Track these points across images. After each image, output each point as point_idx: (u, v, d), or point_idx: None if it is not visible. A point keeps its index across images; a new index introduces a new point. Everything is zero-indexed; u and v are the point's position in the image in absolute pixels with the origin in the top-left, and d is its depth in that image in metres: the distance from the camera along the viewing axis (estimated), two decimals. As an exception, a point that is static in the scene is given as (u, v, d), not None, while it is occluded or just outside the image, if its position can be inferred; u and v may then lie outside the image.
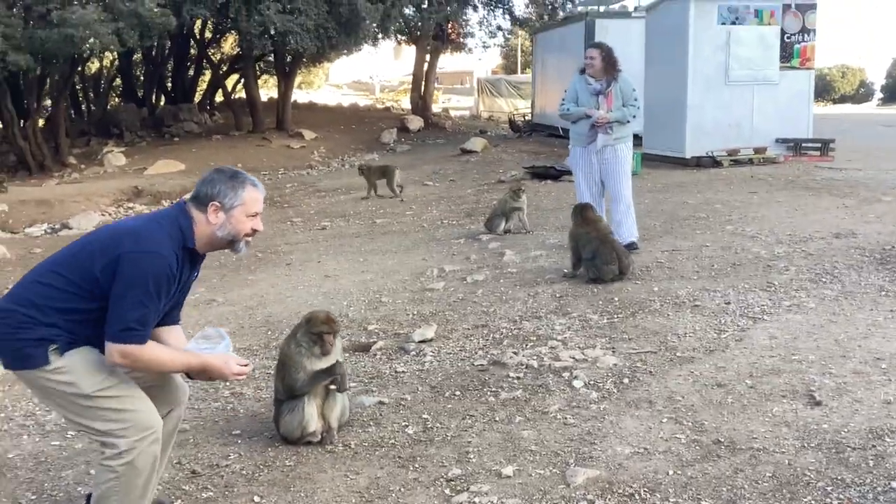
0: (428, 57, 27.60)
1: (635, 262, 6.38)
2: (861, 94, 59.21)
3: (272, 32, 18.80)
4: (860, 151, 13.76)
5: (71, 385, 2.69)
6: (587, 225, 6.27)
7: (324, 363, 3.75)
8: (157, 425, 2.81)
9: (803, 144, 13.13)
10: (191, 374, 2.91)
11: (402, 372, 4.72)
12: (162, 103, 26.21)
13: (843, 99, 55.00)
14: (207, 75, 29.02)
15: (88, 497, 3.00)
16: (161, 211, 2.92)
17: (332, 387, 3.80)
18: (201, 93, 29.02)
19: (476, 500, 3.16)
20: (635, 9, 18.83)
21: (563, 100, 7.11)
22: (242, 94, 26.88)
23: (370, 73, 51.29)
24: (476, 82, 40.16)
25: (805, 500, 2.96)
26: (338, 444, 3.78)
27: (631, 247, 6.73)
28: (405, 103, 35.61)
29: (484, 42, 30.39)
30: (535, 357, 4.69)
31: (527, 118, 24.68)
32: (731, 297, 5.48)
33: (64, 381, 2.69)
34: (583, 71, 7.00)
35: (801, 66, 13.14)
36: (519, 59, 53.26)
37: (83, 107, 26.59)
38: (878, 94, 59.34)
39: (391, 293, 6.46)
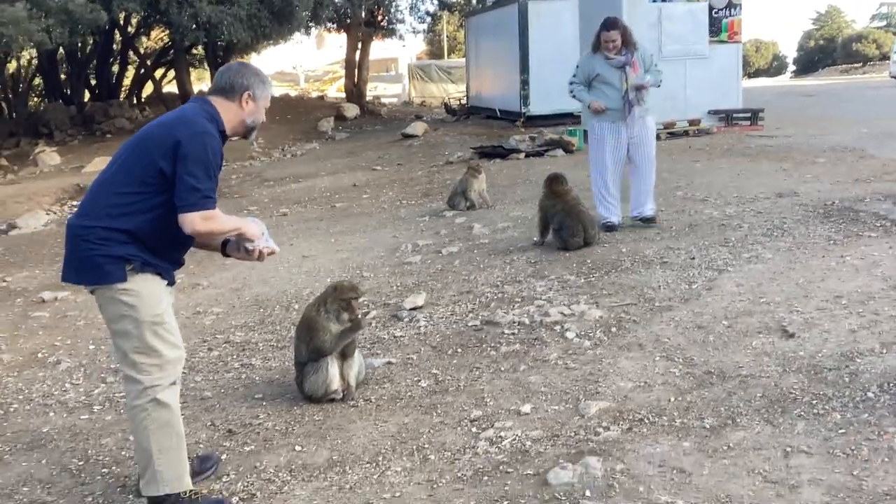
0: (360, 44, 27.61)
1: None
2: (775, 67, 61.42)
3: (204, 23, 18.68)
4: (786, 120, 14.52)
5: (132, 308, 2.94)
6: (555, 197, 6.62)
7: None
8: (177, 374, 3.09)
9: (734, 115, 13.79)
10: (228, 250, 3.23)
11: (401, 336, 5.00)
12: (86, 100, 25.66)
13: (757, 73, 56.94)
14: (131, 70, 28.50)
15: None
16: (184, 106, 3.17)
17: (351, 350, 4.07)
18: (126, 88, 28.48)
19: (502, 433, 3.48)
20: (567, -10, 19.30)
21: (573, 79, 6.99)
22: (171, 88, 26.55)
23: (293, 63, 50.82)
24: (406, 68, 40.28)
25: (795, 412, 3.37)
26: (359, 400, 4.05)
27: (651, 220, 6.87)
28: (331, 92, 35.54)
29: (414, 28, 30.56)
30: (525, 315, 5.03)
31: (462, 102, 24.99)
32: (695, 253, 5.92)
33: (127, 303, 2.94)
34: (595, 50, 6.82)
35: (729, 40, 13.77)
36: (445, 44, 53.53)
37: (3, 107, 25.85)
38: (791, 67, 61.63)
39: (371, 268, 6.72)
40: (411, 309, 5.46)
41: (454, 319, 5.18)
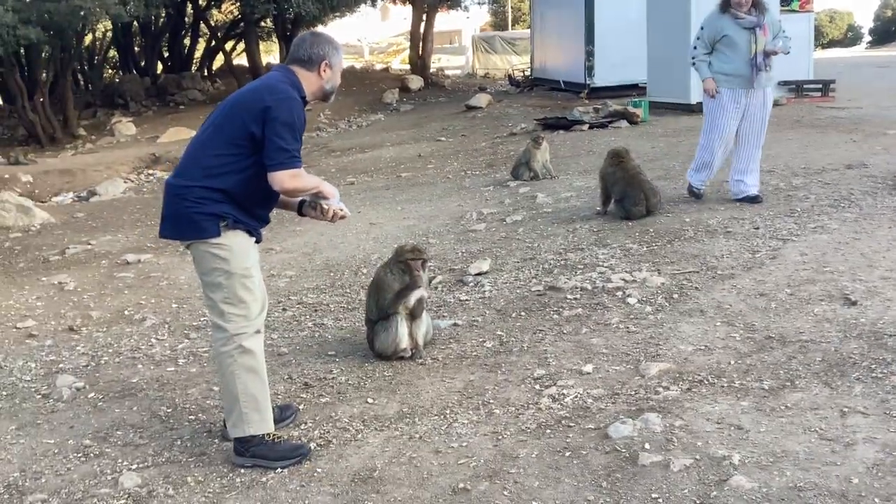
0: (425, 16, 27.66)
1: (663, 197, 6.79)
2: (850, 38, 59.31)
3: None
4: (858, 91, 14.16)
5: (224, 261, 3.19)
6: (616, 165, 6.68)
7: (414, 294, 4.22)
8: (261, 324, 3.31)
9: (805, 86, 13.51)
10: (304, 210, 3.48)
11: (466, 300, 5.17)
12: (159, 72, 26.34)
13: (831, 44, 55.10)
14: (202, 43, 29.12)
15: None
16: (269, 74, 3.39)
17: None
18: (197, 61, 29.12)
19: (565, 391, 3.63)
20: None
21: (696, 41, 6.61)
22: (241, 61, 27.06)
23: (358, 35, 51.08)
24: (470, 40, 40.12)
25: (854, 375, 3.44)
26: (426, 359, 4.24)
27: (755, 199, 6.52)
28: (395, 64, 35.65)
29: (479, -1, 30.46)
30: (587, 281, 5.14)
31: (526, 74, 24.90)
32: (759, 223, 5.94)
33: (220, 256, 3.19)
34: (723, 10, 6.43)
35: (800, 10, 13.47)
36: (509, 15, 53.12)
37: (80, 79, 26.72)
38: (867, 38, 59.45)
39: (437, 235, 6.90)
40: (476, 274, 5.62)
41: (518, 285, 5.33)
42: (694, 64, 6.68)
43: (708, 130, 6.70)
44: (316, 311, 5.32)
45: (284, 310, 5.40)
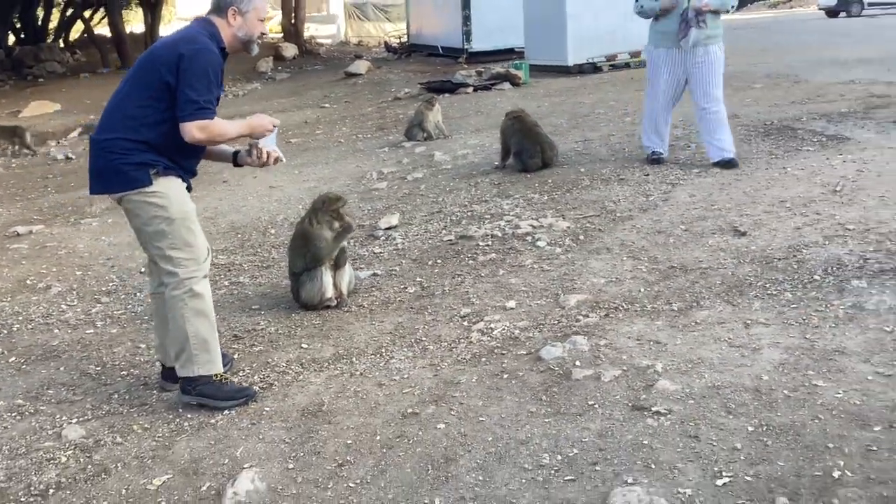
0: (295, -18, 27.14)
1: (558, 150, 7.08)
2: None
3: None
4: (727, 51, 14.95)
5: (162, 208, 3.19)
6: (514, 119, 6.93)
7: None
8: (207, 266, 3.35)
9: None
10: (239, 160, 3.52)
11: (381, 252, 5.30)
12: (11, 44, 24.84)
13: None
14: (56, 13, 27.61)
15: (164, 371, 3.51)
16: (188, 25, 3.38)
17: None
18: (52, 31, 27.61)
19: (492, 325, 3.84)
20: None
21: None
22: (101, 30, 25.84)
23: (221, 4, 49.39)
24: (341, 8, 39.61)
25: (751, 294, 3.80)
26: (352, 306, 4.36)
27: (730, 164, 6.06)
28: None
29: (349, -35, 30.10)
30: (496, 229, 5.37)
31: (402, 40, 24.92)
32: (649, 170, 6.32)
33: (158, 204, 3.19)
34: None
35: (667, -26, 14.07)
36: (378, -17, 52.58)
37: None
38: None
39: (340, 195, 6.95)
40: (386, 228, 5.75)
41: (429, 236, 5.49)
42: (640, 13, 6.31)
43: (647, 92, 6.55)
44: (230, 270, 5.32)
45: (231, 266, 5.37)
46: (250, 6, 3.32)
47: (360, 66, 18.88)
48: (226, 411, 3.28)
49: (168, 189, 3.22)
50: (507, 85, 12.93)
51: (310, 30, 39.78)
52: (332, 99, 14.97)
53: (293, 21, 26.90)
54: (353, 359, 3.68)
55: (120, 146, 3.17)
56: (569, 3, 13.76)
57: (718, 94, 6.18)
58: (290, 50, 24.90)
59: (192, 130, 3.13)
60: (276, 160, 3.51)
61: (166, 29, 36.90)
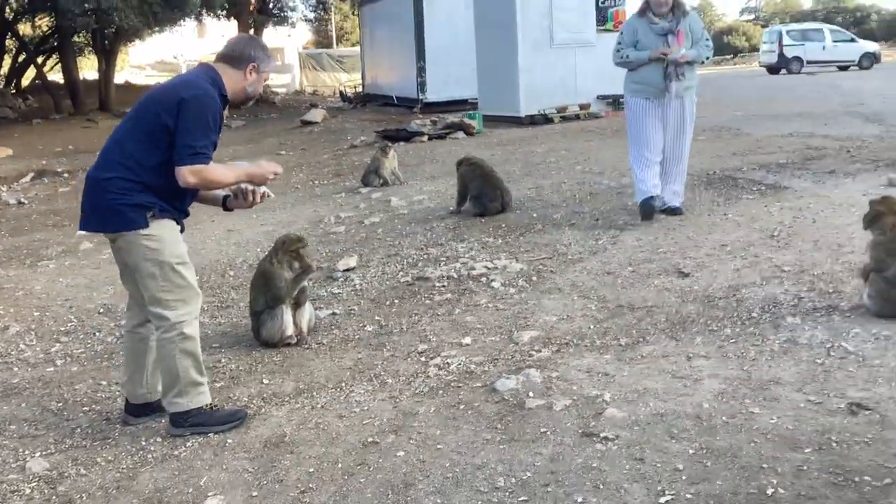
0: (251, 32, 27.46)
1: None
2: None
3: (93, 9, 18.33)
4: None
5: (155, 251, 3.27)
6: (474, 164, 7.20)
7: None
8: (198, 308, 3.45)
9: (622, 100, 14.68)
10: (229, 204, 3.62)
11: (339, 293, 5.43)
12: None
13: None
14: (7, 58, 27.42)
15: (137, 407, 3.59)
16: (190, 70, 3.52)
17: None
18: (3, 76, 27.37)
19: (449, 360, 3.98)
20: (458, -19, 19.93)
21: (619, 45, 6.23)
22: (54, 76, 25.73)
23: (174, 52, 49.58)
24: (296, 57, 40.07)
25: (694, 330, 4.02)
26: (312, 344, 4.47)
27: (677, 211, 6.23)
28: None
29: (305, 16, 30.63)
30: (452, 270, 5.54)
31: (357, 90, 25.30)
32: (598, 216, 6.58)
33: (150, 247, 3.27)
34: (642, 12, 6.17)
35: (615, 30, 14.62)
36: (334, 33, 53.35)
37: None
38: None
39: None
40: (345, 270, 5.88)
41: (386, 278, 5.64)
42: (625, 58, 6.20)
43: (631, 142, 6.41)
44: (189, 310, 5.38)
45: None
46: (268, 67, 3.48)
47: (316, 115, 19.13)
48: (189, 443, 3.35)
49: (162, 232, 3.30)
50: (461, 134, 13.25)
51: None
52: (289, 146, 15.14)
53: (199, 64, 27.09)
54: (314, 393, 3.78)
55: (118, 186, 3.25)
56: (521, 57, 14.23)
57: (688, 146, 6.31)
58: (245, 98, 25.04)
59: (186, 175, 3.23)
60: (264, 196, 3.62)
61: (120, 76, 36.90)
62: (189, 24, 28.78)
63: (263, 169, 3.51)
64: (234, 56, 3.42)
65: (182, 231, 3.50)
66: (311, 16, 31.43)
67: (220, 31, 42.19)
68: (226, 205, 3.67)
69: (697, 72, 6.35)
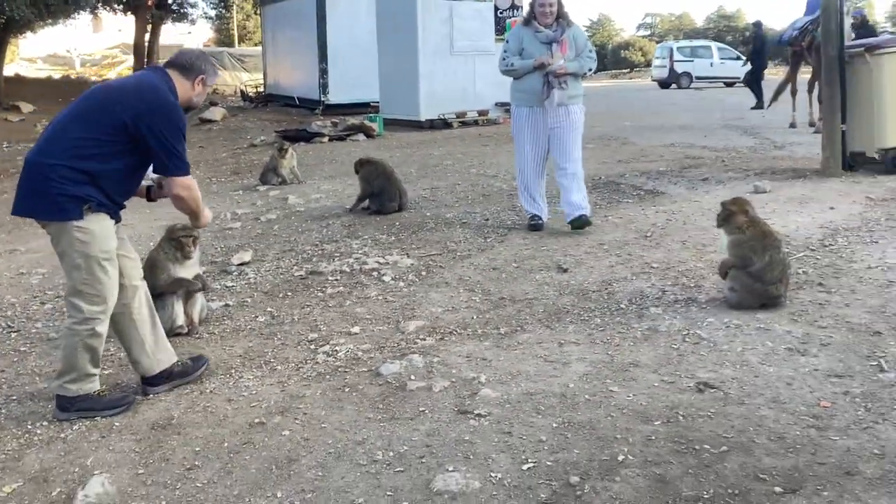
0: (150, 27, 26.87)
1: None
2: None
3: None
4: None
5: (84, 244, 3.30)
6: (376, 164, 7.40)
7: (187, 272, 4.52)
8: (112, 306, 3.48)
9: (518, 107, 15.15)
10: (153, 195, 3.71)
11: (233, 286, 5.51)
12: None
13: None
14: None
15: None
16: (146, 73, 3.57)
17: (193, 290, 4.57)
18: None
19: (337, 348, 4.15)
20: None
21: (505, 54, 6.27)
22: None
23: (67, 46, 47.89)
24: (197, 56, 39.20)
25: (567, 319, 4.31)
26: (203, 334, 4.56)
27: (584, 221, 6.07)
28: (112, 77, 34.06)
29: (206, 13, 30.13)
30: (345, 265, 5.70)
31: (259, 89, 25.08)
32: (489, 216, 6.87)
33: (80, 239, 3.29)
34: (527, 21, 6.25)
35: (513, 40, 15.10)
36: (235, 32, 52.54)
37: None
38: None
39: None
40: (239, 264, 5.96)
41: (281, 272, 5.75)
42: (510, 66, 6.22)
43: (515, 154, 6.52)
44: (78, 302, 5.36)
45: (43, 303, 5.39)
46: (213, 80, 3.61)
47: (216, 113, 18.91)
48: (75, 427, 3.41)
49: (95, 226, 3.32)
50: (361, 136, 13.41)
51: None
52: (187, 143, 14.90)
53: (145, 66, 26.51)
54: (203, 379, 3.88)
55: (59, 173, 3.24)
56: (421, 63, 14.50)
57: (577, 154, 6.25)
58: (142, 94, 24.47)
59: (178, 186, 3.37)
60: None
61: (9, 68, 35.33)
62: (84, 18, 27.81)
63: (207, 218, 3.73)
64: (186, 66, 3.50)
65: (118, 222, 3.52)
66: (213, 13, 30.96)
67: (116, 26, 41.05)
68: (150, 195, 3.72)
69: (584, 84, 6.44)
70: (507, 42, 6.35)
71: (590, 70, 6.30)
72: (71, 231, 3.30)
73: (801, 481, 2.66)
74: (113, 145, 3.30)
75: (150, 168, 3.55)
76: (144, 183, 3.70)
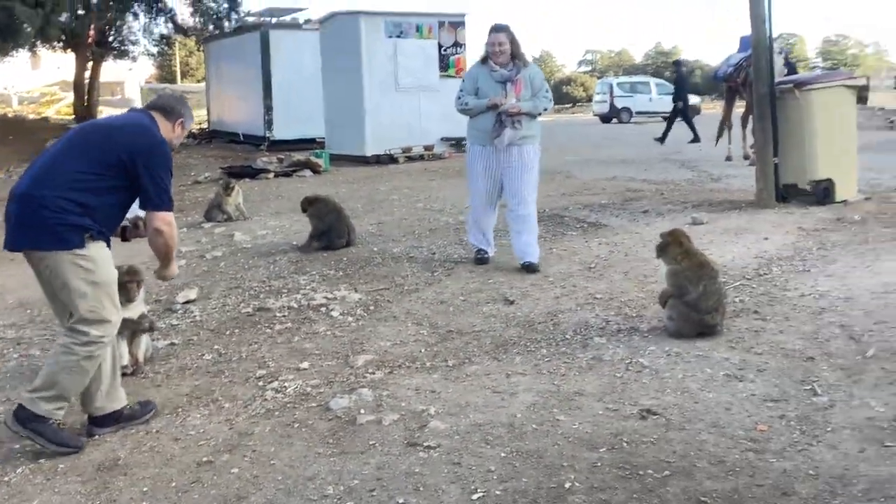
0: (90, 65, 26.54)
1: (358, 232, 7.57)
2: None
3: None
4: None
5: (89, 272, 3.35)
6: (326, 201, 7.46)
7: (132, 313, 4.48)
8: (115, 330, 3.55)
9: (463, 142, 15.35)
10: (128, 234, 3.84)
11: (178, 324, 5.47)
12: None
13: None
14: None
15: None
16: (136, 114, 3.68)
17: (140, 329, 4.54)
18: None
19: (286, 384, 4.14)
20: (305, 21, 20.23)
21: (461, 92, 6.25)
22: None
23: (5, 83, 46.99)
24: (137, 92, 38.98)
25: (514, 351, 4.38)
26: (148, 374, 4.51)
27: (533, 268, 6.01)
28: (51, 114, 33.51)
29: (147, 50, 29.88)
30: (293, 301, 5.70)
31: (202, 126, 24.92)
32: (435, 250, 6.94)
33: (85, 267, 3.34)
34: (484, 60, 6.23)
35: (456, 75, 15.31)
36: (178, 68, 52.28)
37: None
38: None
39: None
40: (184, 302, 5.92)
41: (227, 309, 5.73)
42: (466, 105, 6.21)
43: (469, 189, 6.50)
44: (19, 344, 5.27)
45: None
46: (189, 124, 3.74)
47: (159, 150, 18.69)
48: (19, 469, 3.35)
49: (97, 254, 3.39)
50: (308, 172, 13.43)
51: (103, 113, 38.64)
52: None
53: (86, 103, 26.18)
54: (149, 419, 3.84)
55: (56, 204, 3.29)
56: (367, 98, 14.63)
57: (530, 196, 6.19)
58: (83, 131, 24.12)
59: (160, 220, 3.46)
60: None
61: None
62: (22, 55, 27.29)
63: (174, 270, 3.86)
64: (167, 109, 3.64)
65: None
66: (154, 50, 30.61)
67: (55, 63, 40.40)
68: (125, 234, 3.79)
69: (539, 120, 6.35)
70: (464, 81, 6.38)
71: (545, 109, 6.29)
72: (74, 260, 3.34)
73: (741, 503, 2.75)
74: (109, 180, 3.39)
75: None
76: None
